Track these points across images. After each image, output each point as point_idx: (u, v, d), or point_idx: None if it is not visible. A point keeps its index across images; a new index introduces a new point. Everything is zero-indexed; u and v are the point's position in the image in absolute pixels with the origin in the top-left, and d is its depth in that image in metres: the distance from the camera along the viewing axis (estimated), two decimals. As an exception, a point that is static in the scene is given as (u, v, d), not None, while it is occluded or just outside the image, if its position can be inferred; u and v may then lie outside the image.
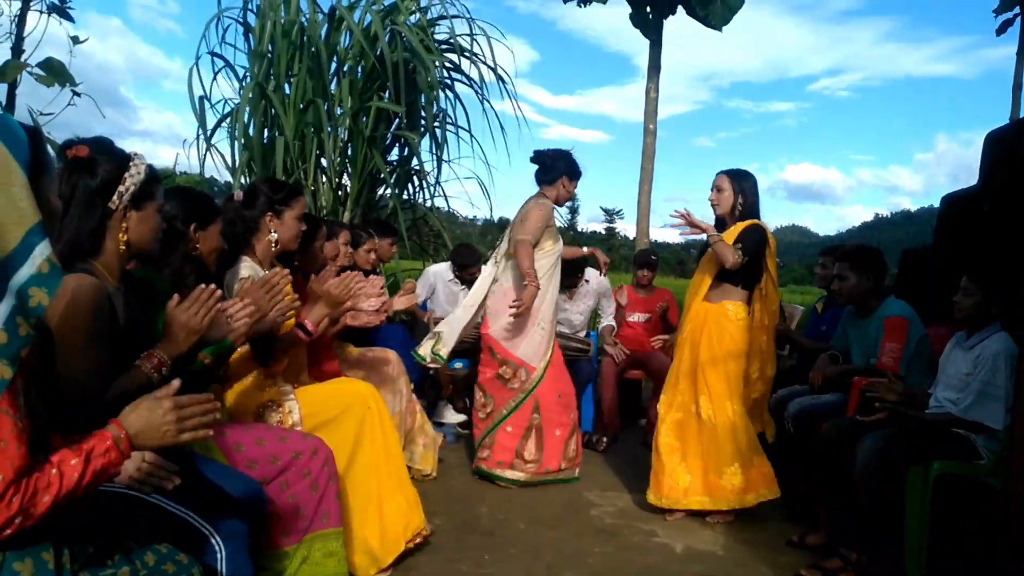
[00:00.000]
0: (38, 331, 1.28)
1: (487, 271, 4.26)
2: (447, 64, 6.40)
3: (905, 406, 3.04)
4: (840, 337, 3.89)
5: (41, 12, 4.23)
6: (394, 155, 6.60)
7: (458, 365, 5.11)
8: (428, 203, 6.61)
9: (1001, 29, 16.03)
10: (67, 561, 1.36)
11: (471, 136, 6.48)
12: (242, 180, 5.77)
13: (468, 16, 6.40)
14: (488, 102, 6.33)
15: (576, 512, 3.66)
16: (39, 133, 1.38)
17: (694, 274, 3.88)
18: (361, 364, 3.72)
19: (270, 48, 5.89)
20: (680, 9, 13.25)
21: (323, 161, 5.93)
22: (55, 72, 4.14)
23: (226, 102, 6.26)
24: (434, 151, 6.37)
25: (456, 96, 6.53)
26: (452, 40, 6.32)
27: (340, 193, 6.14)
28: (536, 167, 4.14)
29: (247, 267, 2.74)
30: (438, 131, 6.33)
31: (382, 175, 6.10)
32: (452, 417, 5.12)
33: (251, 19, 6.09)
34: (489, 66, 6.34)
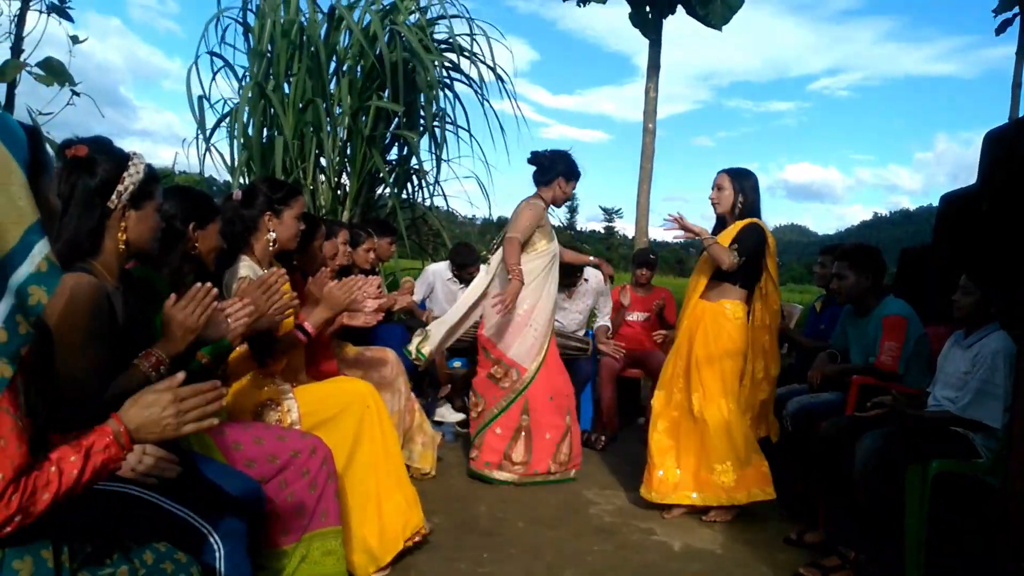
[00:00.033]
0: (37, 329, 1.28)
1: (483, 273, 4.27)
2: (446, 64, 6.41)
3: (904, 405, 3.04)
4: (839, 336, 3.89)
5: (40, 12, 4.24)
6: (393, 154, 6.61)
7: (456, 364, 5.12)
8: (427, 202, 6.63)
9: (1000, 29, 16.05)
10: (66, 560, 1.36)
11: (470, 135, 6.50)
12: (241, 179, 5.77)
13: (467, 16, 6.41)
14: (487, 102, 6.35)
15: (575, 511, 3.66)
16: (38, 132, 1.38)
17: (692, 272, 3.88)
18: (359, 363, 3.72)
19: (269, 48, 5.89)
20: (680, 8, 13.26)
21: (322, 160, 5.93)
22: (54, 72, 4.14)
23: (225, 102, 6.27)
24: (433, 150, 6.39)
25: (455, 96, 6.55)
26: (451, 40, 6.32)
27: (339, 192, 6.14)
28: (534, 168, 4.15)
29: (246, 266, 2.75)
30: (437, 130, 6.34)
31: (381, 174, 6.10)
32: (451, 416, 5.12)
33: (250, 19, 6.10)
34: (488, 66, 6.35)
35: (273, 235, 2.85)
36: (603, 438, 4.83)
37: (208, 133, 5.97)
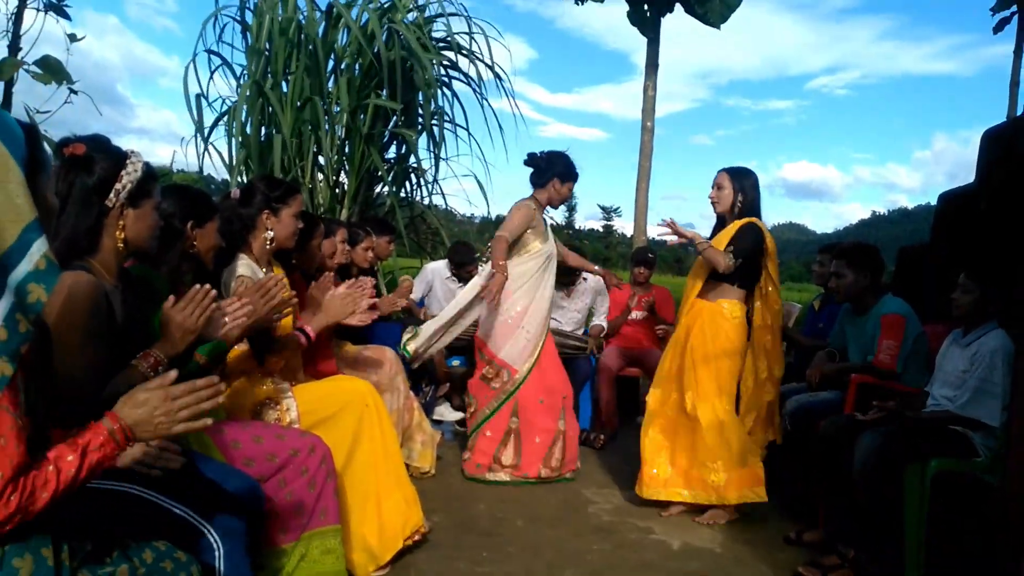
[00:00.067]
0: (37, 328, 1.28)
1: (478, 276, 4.26)
2: (445, 62, 6.40)
3: (902, 406, 3.04)
4: (837, 335, 3.89)
5: (38, 10, 4.23)
6: (391, 153, 6.61)
7: (455, 362, 5.11)
8: (426, 201, 6.62)
9: (998, 27, 16.05)
10: (66, 558, 1.36)
11: (469, 134, 6.49)
12: (239, 178, 5.76)
13: (466, 14, 6.40)
14: (486, 100, 6.34)
15: (574, 510, 3.66)
16: (36, 130, 1.38)
17: (690, 272, 3.88)
18: (358, 362, 3.71)
19: (267, 46, 5.88)
20: (678, 7, 13.24)
21: (320, 159, 5.93)
22: (52, 70, 4.14)
23: (224, 101, 6.26)
24: (432, 149, 6.38)
25: (454, 94, 6.55)
26: (449, 38, 6.31)
27: (338, 191, 6.14)
28: (531, 170, 4.15)
29: (244, 265, 2.74)
30: (436, 129, 6.33)
31: (380, 173, 6.09)
32: (450, 415, 5.12)
33: (248, 17, 6.08)
34: (487, 64, 6.34)
35: (271, 234, 2.84)
36: (602, 437, 4.83)
37: (207, 132, 5.97)
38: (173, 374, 1.49)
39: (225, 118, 6.09)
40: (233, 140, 5.86)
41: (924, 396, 3.18)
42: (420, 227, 6.88)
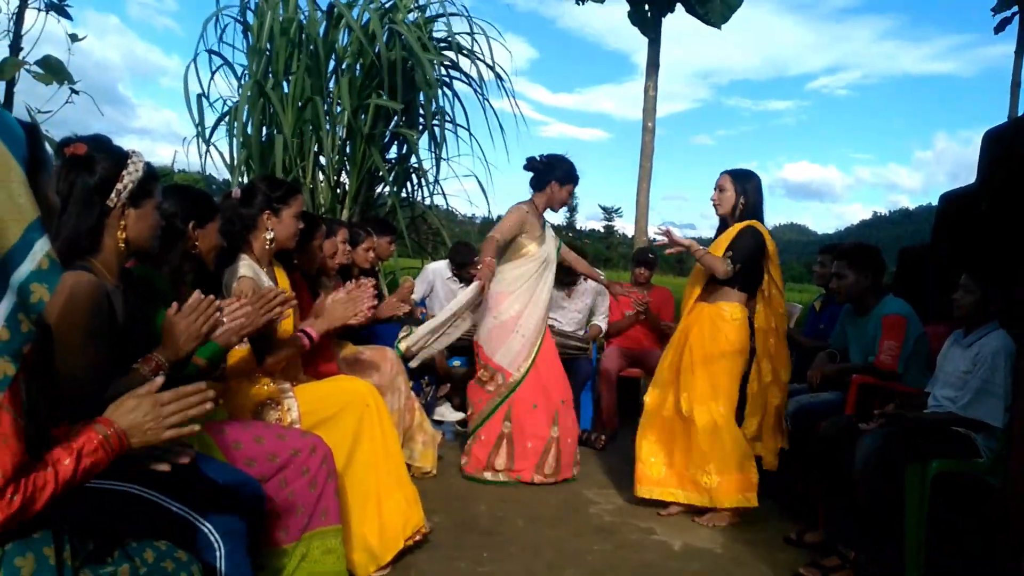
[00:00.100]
0: (39, 328, 1.28)
1: (475, 283, 4.26)
2: (446, 62, 6.40)
3: (903, 407, 3.04)
4: (838, 335, 3.89)
5: (39, 10, 4.23)
6: (392, 153, 6.60)
7: (456, 363, 5.11)
8: (427, 201, 6.62)
9: (999, 27, 16.05)
10: (68, 557, 1.36)
11: (470, 134, 6.49)
12: (240, 178, 5.77)
13: (467, 14, 6.40)
14: (487, 100, 6.34)
15: (575, 510, 3.66)
16: (37, 130, 1.38)
17: (690, 275, 3.88)
18: (359, 362, 3.71)
19: (268, 46, 5.88)
20: (679, 7, 13.24)
21: (321, 159, 5.93)
22: (53, 70, 4.14)
23: (225, 102, 6.26)
24: (433, 149, 6.38)
25: (455, 94, 6.54)
26: (451, 38, 6.31)
27: (338, 191, 6.14)
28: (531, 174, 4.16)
29: (246, 266, 2.74)
30: (437, 129, 6.33)
31: (381, 173, 6.09)
32: (450, 415, 5.11)
33: (250, 17, 6.08)
34: (488, 64, 6.34)
35: (271, 234, 2.84)
36: (603, 437, 4.83)
37: (209, 133, 5.98)
38: (159, 381, 1.49)
39: (226, 118, 6.10)
40: (234, 140, 5.86)
41: (924, 397, 3.18)
42: (421, 227, 6.88)
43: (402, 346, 4.13)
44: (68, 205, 1.78)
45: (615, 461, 4.46)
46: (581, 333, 5.27)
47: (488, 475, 3.98)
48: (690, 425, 3.54)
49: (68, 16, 4.34)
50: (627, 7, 13.64)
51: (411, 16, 6.20)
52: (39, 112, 4.14)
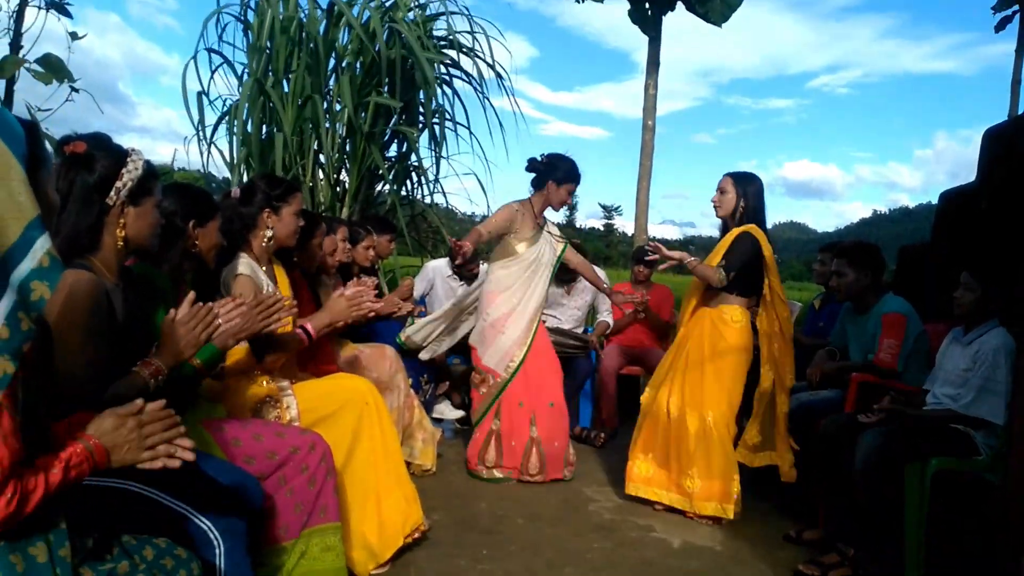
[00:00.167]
0: (38, 326, 1.28)
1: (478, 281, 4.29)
2: (446, 60, 6.40)
3: (903, 405, 3.04)
4: (838, 333, 3.89)
5: (39, 8, 4.23)
6: (392, 151, 6.61)
7: (455, 361, 5.12)
8: (427, 199, 6.61)
9: (1000, 26, 16.06)
10: (67, 555, 1.36)
11: (470, 132, 6.49)
12: (240, 176, 5.76)
13: (467, 13, 6.40)
14: (487, 98, 6.34)
15: (574, 508, 3.66)
16: (36, 127, 1.38)
17: (687, 289, 3.87)
18: (359, 360, 3.72)
19: (268, 44, 5.88)
20: (679, 5, 13.24)
21: (321, 157, 5.92)
22: (53, 68, 4.14)
23: (224, 101, 6.26)
24: (433, 147, 6.38)
25: (455, 92, 6.54)
26: (451, 36, 6.31)
27: (338, 189, 6.14)
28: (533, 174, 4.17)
29: (244, 264, 2.74)
30: (437, 127, 6.33)
31: (381, 171, 6.09)
32: (450, 413, 5.12)
33: (250, 16, 6.08)
34: (488, 63, 6.34)
35: (271, 232, 2.85)
36: (602, 435, 4.83)
37: (211, 131, 5.98)
38: (139, 402, 1.48)
39: (226, 117, 6.10)
40: (234, 138, 5.86)
41: (923, 394, 3.18)
42: (421, 225, 6.87)
43: (402, 335, 4.16)
44: (68, 203, 1.78)
45: (615, 459, 4.45)
46: (580, 331, 5.27)
47: (483, 472, 3.99)
48: (680, 427, 3.55)
49: (68, 14, 4.35)
50: (627, 5, 13.65)
51: (411, 15, 6.19)
52: (39, 110, 4.15)
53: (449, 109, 6.46)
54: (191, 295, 1.97)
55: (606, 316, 5.33)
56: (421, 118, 6.25)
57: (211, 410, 2.40)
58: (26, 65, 4.14)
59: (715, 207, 3.67)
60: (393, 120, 6.20)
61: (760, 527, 3.48)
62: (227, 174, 6.02)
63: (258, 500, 2.09)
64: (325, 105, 5.67)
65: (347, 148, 6.04)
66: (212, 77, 6.14)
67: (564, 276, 4.97)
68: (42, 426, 1.39)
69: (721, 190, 3.64)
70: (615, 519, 3.54)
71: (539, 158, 4.12)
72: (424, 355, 4.49)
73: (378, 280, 4.43)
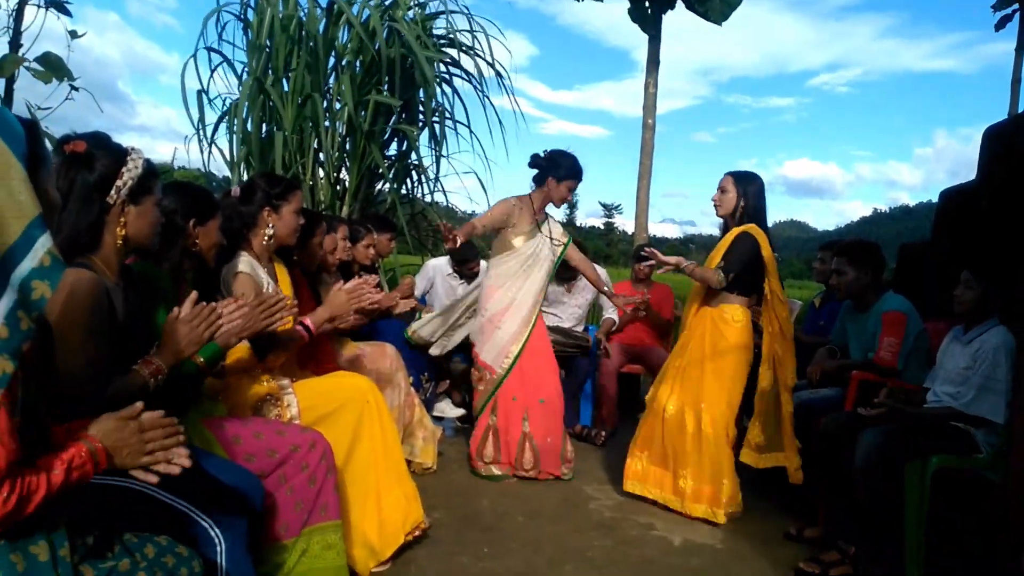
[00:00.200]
0: (38, 325, 1.28)
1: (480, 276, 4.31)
2: (446, 59, 6.39)
3: (904, 403, 3.04)
4: (838, 332, 3.89)
5: (39, 6, 4.23)
6: (392, 150, 6.61)
7: (456, 359, 5.12)
8: (427, 198, 6.61)
9: (1000, 24, 16.04)
10: (67, 553, 1.36)
11: (470, 131, 6.49)
12: (240, 175, 5.76)
13: (467, 12, 6.39)
14: (487, 97, 6.34)
15: (575, 506, 3.67)
16: (36, 126, 1.38)
17: (690, 291, 3.88)
18: (359, 358, 3.72)
19: (268, 43, 5.88)
20: (679, 4, 13.22)
21: (321, 156, 5.92)
22: (53, 66, 4.14)
23: (224, 100, 6.26)
24: (433, 146, 6.38)
25: (455, 91, 6.54)
26: (451, 35, 6.30)
27: (338, 188, 6.14)
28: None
29: (244, 262, 2.74)
30: (437, 126, 6.33)
31: (381, 170, 6.09)
32: (450, 411, 5.12)
33: (250, 15, 6.08)
34: (487, 61, 6.34)
35: (271, 230, 2.85)
36: (603, 434, 4.83)
37: (212, 130, 5.98)
38: (139, 405, 1.49)
39: (226, 115, 6.10)
40: (234, 137, 5.86)
41: (924, 392, 3.18)
42: (421, 224, 6.88)
43: (410, 330, 4.18)
44: (68, 202, 1.78)
45: (615, 457, 4.45)
46: (581, 329, 5.27)
47: (481, 468, 3.99)
48: (676, 426, 3.55)
49: (68, 13, 4.34)
50: (627, 4, 13.62)
51: (411, 13, 6.19)
52: (39, 109, 4.14)
53: (449, 108, 6.47)
54: (193, 295, 1.97)
55: (612, 313, 5.32)
56: (421, 117, 6.25)
57: (211, 408, 2.40)
58: (26, 64, 4.14)
59: (715, 206, 3.67)
60: (393, 119, 6.20)
61: (761, 525, 3.48)
62: (227, 173, 6.03)
63: (259, 498, 2.09)
64: (325, 104, 5.67)
65: (347, 147, 6.04)
66: (212, 76, 6.15)
67: (564, 274, 4.97)
68: (42, 426, 1.39)
69: (722, 189, 3.64)
70: (616, 517, 3.54)
71: (541, 154, 4.12)
72: (435, 350, 4.54)
73: (379, 278, 4.44)
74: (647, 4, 13.54)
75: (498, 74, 6.38)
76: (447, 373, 5.18)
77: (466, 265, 5.28)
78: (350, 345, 3.79)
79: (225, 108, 6.15)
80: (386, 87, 5.84)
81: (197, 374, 2.07)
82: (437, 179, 6.48)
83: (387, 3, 6.14)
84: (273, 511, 2.32)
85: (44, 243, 1.25)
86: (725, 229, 3.67)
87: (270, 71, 5.91)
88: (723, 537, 3.35)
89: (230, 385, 2.64)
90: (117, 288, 1.89)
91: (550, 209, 4.23)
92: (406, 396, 3.76)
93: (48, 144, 1.44)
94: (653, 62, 13.55)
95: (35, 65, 4.14)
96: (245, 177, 5.68)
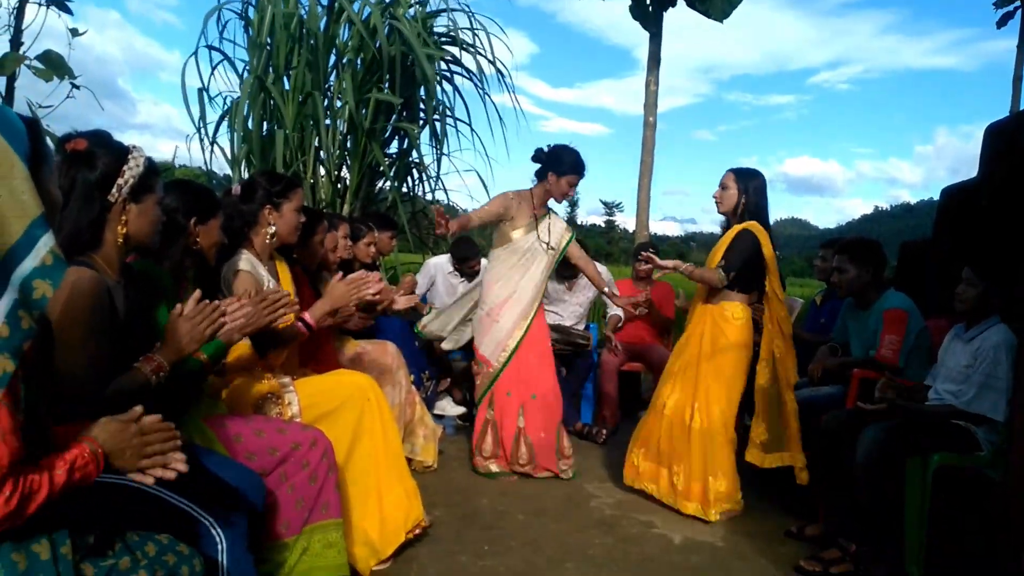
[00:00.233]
0: (39, 324, 1.28)
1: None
2: (447, 57, 6.39)
3: (905, 400, 3.04)
4: (840, 329, 3.89)
5: (40, 4, 4.22)
6: (393, 148, 6.60)
7: (456, 357, 5.12)
8: (428, 196, 6.61)
9: (1001, 22, 16.00)
10: (68, 552, 1.36)
11: (471, 129, 6.49)
12: (241, 173, 5.76)
13: (468, 10, 6.39)
14: (488, 95, 6.33)
15: (576, 504, 3.67)
16: (37, 124, 1.38)
17: (694, 293, 3.88)
18: (360, 356, 3.72)
19: (269, 40, 5.88)
20: (680, 1, 13.20)
21: (322, 154, 5.92)
22: (54, 65, 4.13)
23: (225, 99, 6.26)
24: (433, 144, 6.38)
25: (455, 89, 6.54)
26: (452, 33, 6.30)
27: (339, 186, 6.14)
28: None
29: (244, 260, 2.74)
30: (437, 124, 6.33)
31: (381, 168, 6.09)
32: (451, 409, 5.13)
33: (251, 12, 6.08)
34: (488, 59, 6.33)
35: (273, 228, 2.84)
36: (604, 431, 4.83)
37: (213, 129, 5.98)
38: (139, 409, 1.49)
39: (227, 113, 6.09)
40: (235, 135, 5.86)
41: (925, 390, 3.18)
42: (422, 222, 6.87)
43: (420, 324, 4.21)
44: (69, 201, 1.78)
45: (616, 455, 4.45)
46: (582, 327, 5.27)
47: (480, 464, 4.00)
48: (673, 423, 3.56)
49: (68, 11, 4.33)
50: (628, 1, 13.60)
51: (411, 11, 6.19)
52: (40, 107, 4.14)
53: (450, 106, 6.46)
54: (197, 293, 1.97)
55: (616, 309, 5.32)
56: (422, 114, 6.25)
57: (211, 407, 2.40)
58: (27, 62, 4.13)
59: (717, 203, 3.67)
60: (394, 117, 6.20)
61: (761, 523, 3.48)
62: (228, 171, 6.03)
63: (260, 496, 2.09)
64: (326, 102, 5.67)
65: (348, 145, 6.04)
66: (212, 74, 6.15)
67: (565, 272, 4.97)
68: (42, 426, 1.39)
69: (723, 186, 3.63)
70: (616, 515, 3.54)
71: (544, 149, 4.11)
72: (447, 344, 4.58)
73: (380, 276, 4.44)
74: (648, 2, 13.51)
75: (499, 72, 6.39)
76: (448, 371, 5.18)
77: (467, 263, 5.28)
78: (351, 343, 3.79)
79: (226, 106, 6.16)
80: (387, 85, 5.84)
81: (200, 371, 2.07)
82: (438, 177, 6.48)
83: (388, 1, 6.14)
84: (274, 509, 2.33)
85: (46, 242, 1.25)
86: (726, 227, 3.67)
87: (271, 69, 5.91)
88: (724, 535, 3.35)
89: (231, 383, 2.64)
90: (118, 286, 1.89)
91: (553, 206, 4.22)
92: (407, 394, 3.76)
93: (50, 142, 1.44)
94: (654, 60, 13.53)
95: (36, 63, 4.13)
96: (246, 175, 5.68)
